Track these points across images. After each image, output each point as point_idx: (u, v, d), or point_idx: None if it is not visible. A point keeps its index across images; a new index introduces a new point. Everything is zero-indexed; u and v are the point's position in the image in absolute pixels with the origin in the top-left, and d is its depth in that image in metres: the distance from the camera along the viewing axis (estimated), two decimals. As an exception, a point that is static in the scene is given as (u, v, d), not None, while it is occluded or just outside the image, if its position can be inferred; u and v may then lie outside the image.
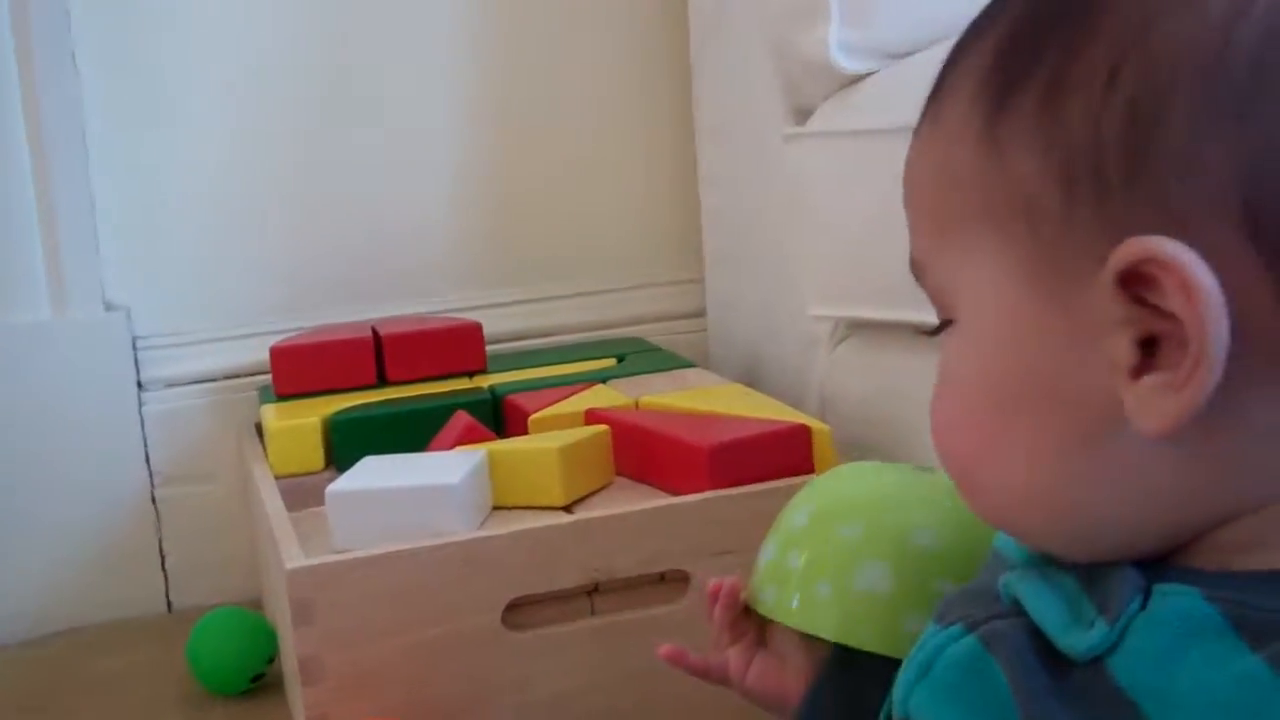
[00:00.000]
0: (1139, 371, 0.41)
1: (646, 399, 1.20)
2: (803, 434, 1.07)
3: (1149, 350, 0.41)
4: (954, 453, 0.47)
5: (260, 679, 1.18)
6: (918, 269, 0.49)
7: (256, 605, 1.28)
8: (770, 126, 1.27)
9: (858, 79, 1.14)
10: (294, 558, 0.95)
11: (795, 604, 0.70)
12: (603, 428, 1.11)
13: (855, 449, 1.13)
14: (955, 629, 0.44)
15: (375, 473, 1.03)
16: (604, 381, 1.27)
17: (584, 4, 1.49)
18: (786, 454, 1.06)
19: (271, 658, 1.17)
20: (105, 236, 1.37)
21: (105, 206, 1.37)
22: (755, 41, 1.27)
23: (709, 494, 1.02)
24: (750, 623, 0.74)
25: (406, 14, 1.44)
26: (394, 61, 1.45)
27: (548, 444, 1.05)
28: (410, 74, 1.46)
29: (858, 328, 1.20)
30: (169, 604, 1.41)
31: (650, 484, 1.09)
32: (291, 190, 1.44)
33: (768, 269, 1.35)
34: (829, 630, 0.68)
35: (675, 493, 1.04)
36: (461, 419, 1.14)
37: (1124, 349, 0.41)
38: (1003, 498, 0.46)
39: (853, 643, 0.67)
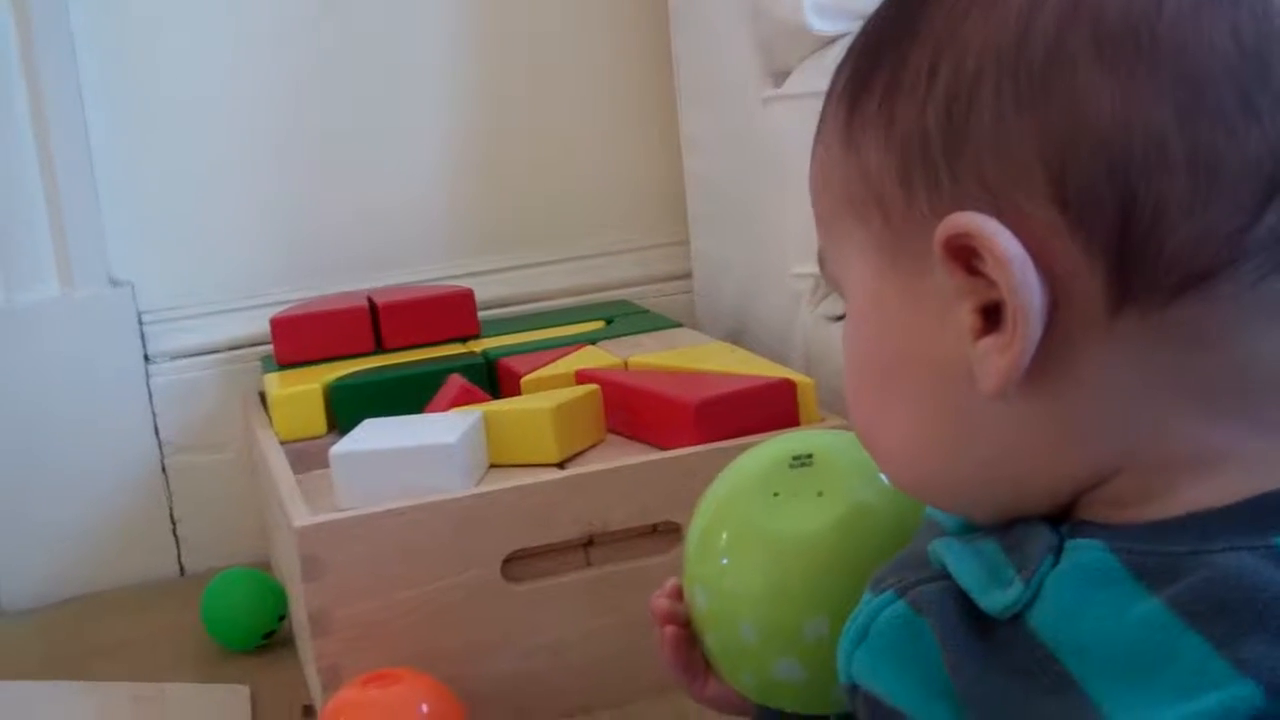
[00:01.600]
0: (980, 335, 0.45)
1: (635, 359, 1.24)
2: (787, 388, 1.11)
3: (994, 318, 0.44)
4: (857, 427, 0.52)
5: (272, 635, 1.23)
6: (820, 262, 0.54)
7: (265, 567, 1.33)
8: (748, 89, 1.31)
9: (833, 40, 1.17)
10: (302, 516, 0.99)
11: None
12: (593, 387, 1.15)
13: (840, 402, 1.18)
14: (888, 594, 0.49)
15: (376, 434, 1.07)
16: (593, 343, 1.32)
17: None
18: (771, 408, 1.10)
19: (282, 615, 1.22)
20: (109, 215, 1.41)
21: (108, 185, 1.41)
22: (731, 3, 1.31)
23: (696, 448, 1.07)
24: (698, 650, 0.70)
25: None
26: (384, 34, 1.48)
27: (541, 404, 1.10)
28: (399, 47, 1.49)
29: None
30: (181, 568, 1.46)
31: (640, 440, 1.13)
32: (288, 165, 1.47)
33: (750, 230, 1.39)
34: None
35: (664, 448, 1.09)
36: (456, 382, 1.18)
37: (966, 316, 0.45)
38: (897, 464, 0.51)
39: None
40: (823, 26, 1.17)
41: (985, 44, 0.45)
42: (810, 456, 0.64)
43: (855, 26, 1.17)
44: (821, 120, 0.52)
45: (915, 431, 0.49)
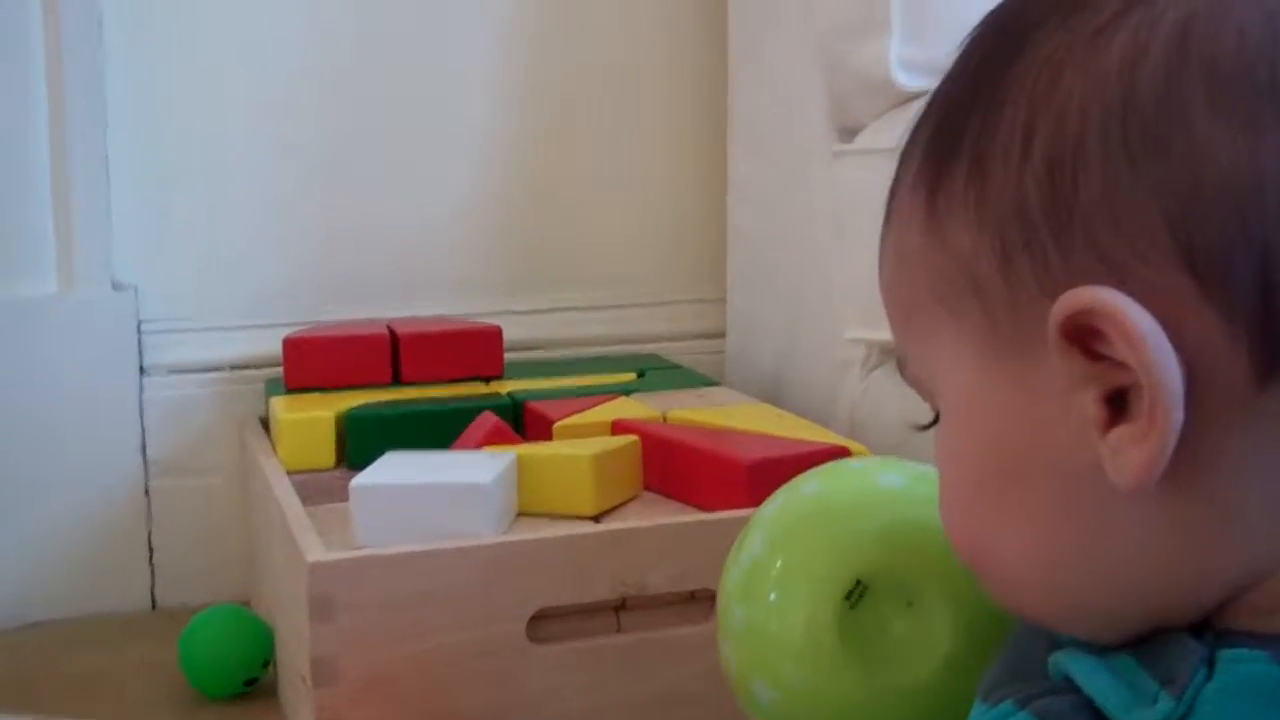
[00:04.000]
0: (1109, 426, 0.39)
1: (674, 413, 1.16)
2: (842, 455, 1.03)
3: (1119, 405, 0.39)
4: (958, 543, 0.47)
5: (254, 683, 1.13)
6: (900, 363, 0.49)
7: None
8: (812, 142, 1.24)
9: (914, 97, 1.11)
10: (315, 550, 0.90)
11: None
12: (633, 438, 1.07)
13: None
14: (1006, 705, 0.43)
15: (401, 468, 0.98)
16: (627, 395, 1.23)
17: (616, 10, 1.46)
18: (824, 476, 1.02)
19: (267, 661, 1.12)
20: (119, 213, 1.32)
21: (121, 181, 1.33)
22: (800, 54, 1.24)
23: (744, 511, 0.98)
24: None
25: (437, 11, 1.41)
26: (423, 57, 1.41)
27: (580, 451, 1.01)
28: (439, 70, 1.42)
29: (893, 353, 1.17)
30: (153, 600, 1.36)
31: (679, 499, 1.05)
32: (315, 183, 1.39)
33: (799, 289, 1.31)
34: None
35: (707, 509, 1.00)
36: (489, 419, 1.10)
37: (1091, 406, 0.40)
38: (1018, 584, 0.45)
39: None
40: (909, 82, 1.10)
41: (1086, 101, 0.40)
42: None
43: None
44: (891, 209, 0.47)
45: (1039, 543, 0.43)
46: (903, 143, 0.48)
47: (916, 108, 1.15)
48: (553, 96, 1.46)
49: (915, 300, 0.46)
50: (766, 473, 1.00)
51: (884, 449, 1.11)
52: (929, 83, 1.11)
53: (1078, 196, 0.40)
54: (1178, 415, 0.38)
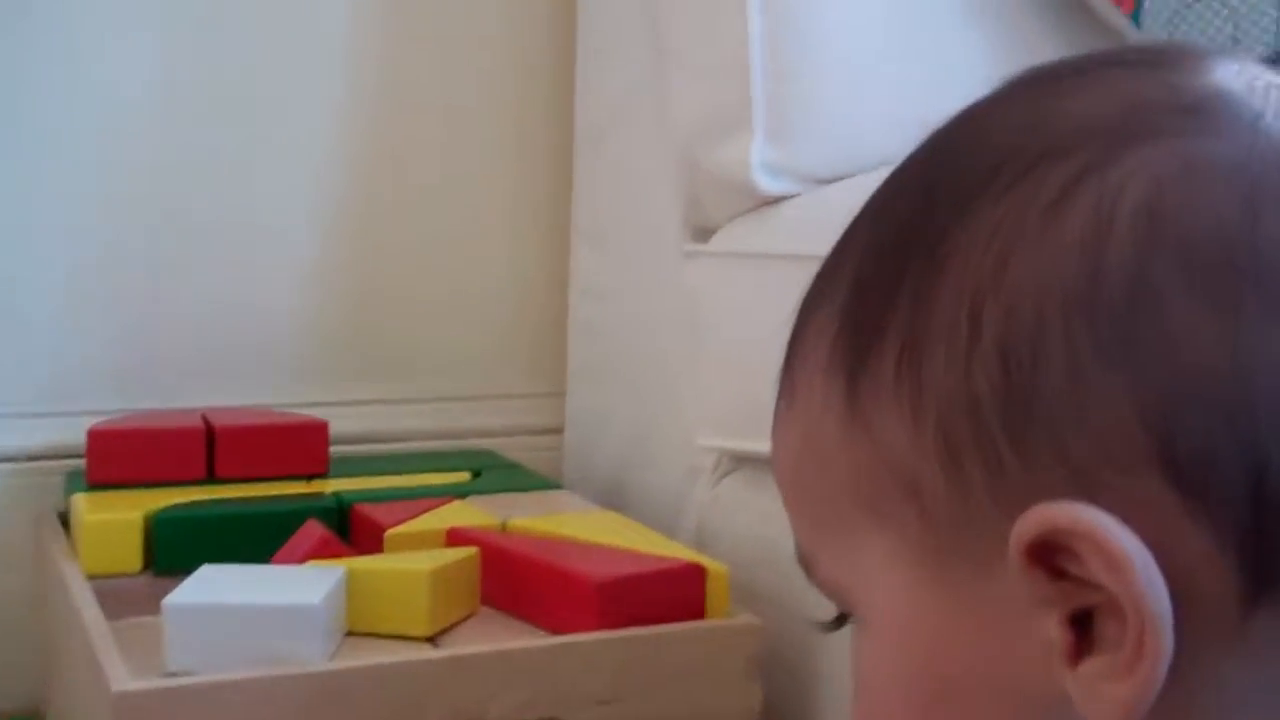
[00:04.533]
0: (1078, 654, 0.34)
1: (514, 521, 1.09)
2: (696, 574, 0.98)
3: (1084, 625, 0.34)
4: None
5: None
6: (804, 561, 0.43)
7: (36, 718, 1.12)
8: (663, 239, 1.19)
9: (774, 200, 1.06)
10: (120, 678, 0.81)
11: None
12: (471, 550, 1.00)
13: (737, 591, 1.04)
14: None
15: (219, 585, 0.89)
16: (462, 497, 1.16)
17: (460, 93, 1.40)
18: (679, 595, 0.97)
19: (57, 786, 1.02)
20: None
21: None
22: (653, 150, 1.20)
23: (595, 634, 0.92)
24: None
25: (273, 80, 1.33)
26: (242, 135, 1.33)
27: (415, 565, 0.94)
28: (261, 147, 1.34)
29: (746, 462, 1.12)
30: (-70, 710, 1.23)
31: (522, 618, 0.98)
32: (128, 257, 1.30)
33: (644, 390, 1.26)
34: None
35: (553, 630, 0.94)
36: (315, 530, 1.01)
37: (1055, 631, 0.35)
38: None
39: None
40: (770, 186, 1.06)
41: (1044, 281, 0.35)
42: None
43: (802, 189, 1.06)
44: (794, 386, 0.41)
45: None
46: (802, 305, 0.42)
47: (778, 213, 1.11)
48: (386, 182, 1.39)
49: (829, 500, 0.40)
50: (619, 592, 0.94)
51: (737, 563, 1.05)
52: (791, 186, 1.08)
53: (1036, 391, 0.35)
54: (1168, 646, 0.33)
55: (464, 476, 1.26)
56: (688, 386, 1.15)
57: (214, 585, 0.89)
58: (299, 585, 0.89)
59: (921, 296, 0.37)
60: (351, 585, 0.93)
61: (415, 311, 1.41)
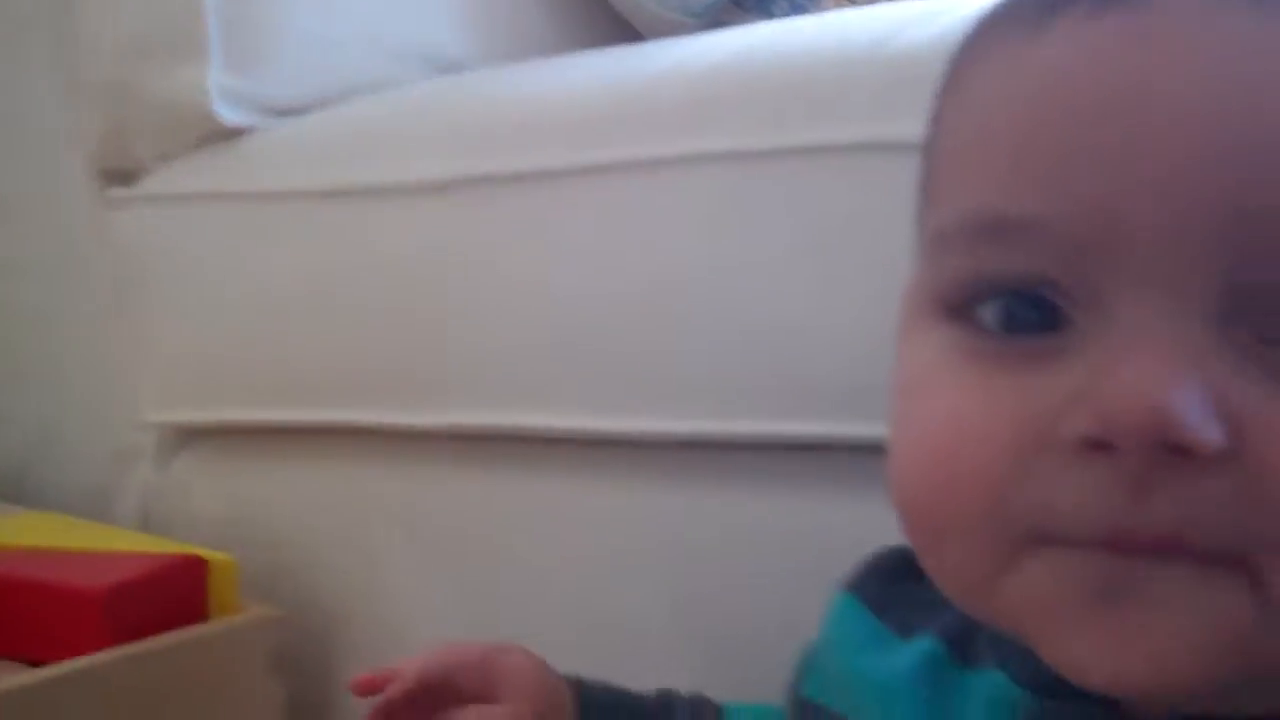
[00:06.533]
0: None
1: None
2: (197, 568, 0.84)
3: None
4: None
5: None
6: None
7: None
8: (72, 189, 1.01)
9: (235, 133, 0.93)
10: None
11: None
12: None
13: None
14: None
15: None
16: None
17: None
18: (181, 594, 0.83)
19: None
20: None
21: None
22: (55, 82, 1.01)
23: (104, 655, 0.77)
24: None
25: None
26: None
27: None
28: None
29: (201, 435, 0.98)
30: None
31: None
32: None
33: (55, 373, 1.07)
34: None
35: (43, 660, 0.77)
36: None
37: None
38: None
39: None
40: (233, 117, 0.92)
41: None
42: None
43: (263, 121, 0.94)
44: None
45: None
46: None
47: (232, 148, 0.97)
48: None
49: None
50: (125, 601, 0.79)
51: (203, 544, 0.91)
52: (252, 120, 0.95)
53: None
54: None
55: None
56: (120, 361, 0.99)
57: None
58: None
59: None
60: None
61: None
